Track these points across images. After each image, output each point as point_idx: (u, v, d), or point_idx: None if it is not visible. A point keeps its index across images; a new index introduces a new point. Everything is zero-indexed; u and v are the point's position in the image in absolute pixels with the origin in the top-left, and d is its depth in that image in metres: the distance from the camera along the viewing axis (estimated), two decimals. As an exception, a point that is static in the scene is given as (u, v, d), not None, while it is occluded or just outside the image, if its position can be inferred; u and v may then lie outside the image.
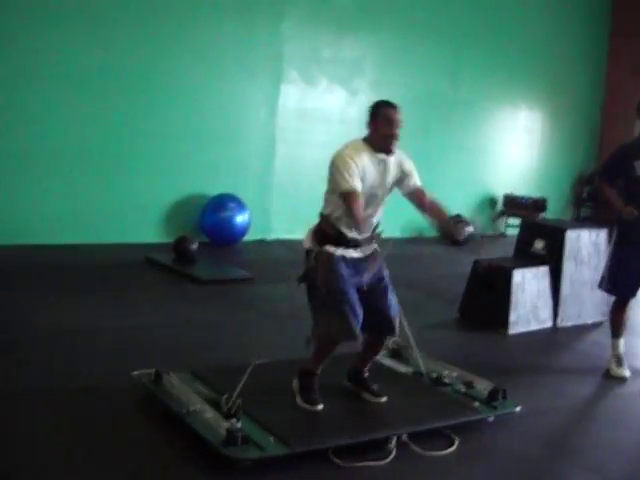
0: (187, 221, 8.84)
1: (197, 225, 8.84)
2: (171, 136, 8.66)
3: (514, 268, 6.21)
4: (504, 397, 4.26)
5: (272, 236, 9.56)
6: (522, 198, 11.38)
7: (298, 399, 4.03)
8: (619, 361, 5.33)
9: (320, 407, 3.96)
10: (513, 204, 11.42)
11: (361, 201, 3.85)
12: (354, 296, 3.93)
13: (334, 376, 4.19)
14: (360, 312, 3.91)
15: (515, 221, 11.54)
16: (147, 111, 8.51)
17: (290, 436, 3.55)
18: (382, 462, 3.58)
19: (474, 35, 10.75)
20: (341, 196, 3.89)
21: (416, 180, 4.21)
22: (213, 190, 8.89)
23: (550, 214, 11.42)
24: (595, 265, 6.63)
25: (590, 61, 12.38)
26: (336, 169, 3.93)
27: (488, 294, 6.31)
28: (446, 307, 6.86)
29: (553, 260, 6.46)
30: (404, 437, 3.77)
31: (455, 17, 10.56)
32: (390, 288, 4.16)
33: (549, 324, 6.40)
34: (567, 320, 6.50)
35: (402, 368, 4.72)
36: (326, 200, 4.07)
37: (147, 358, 4.77)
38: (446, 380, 4.49)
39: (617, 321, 5.37)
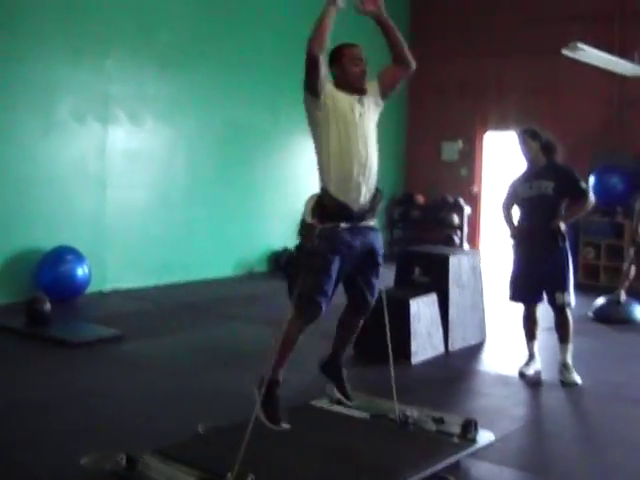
0: (22, 279, 8.05)
1: (33, 282, 8.06)
2: (-3, 187, 7.89)
3: (410, 298, 6.26)
4: (475, 429, 4.25)
5: (108, 286, 8.97)
6: (345, 225, 11.53)
7: (260, 414, 3.81)
8: (528, 360, 5.93)
9: (285, 426, 3.84)
10: (336, 232, 11.53)
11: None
12: (335, 274, 3.87)
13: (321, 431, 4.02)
14: (332, 292, 3.91)
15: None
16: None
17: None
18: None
19: (291, 67, 10.79)
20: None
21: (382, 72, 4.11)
22: (47, 243, 8.18)
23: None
24: (473, 287, 6.87)
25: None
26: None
27: (384, 326, 6.29)
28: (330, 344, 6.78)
29: (437, 287, 6.60)
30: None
31: (273, 51, 10.57)
32: (379, 271, 4.15)
33: (442, 349, 6.51)
34: (456, 344, 6.65)
35: (357, 413, 4.55)
36: (318, 170, 3.94)
37: (75, 442, 4.27)
38: (413, 420, 4.39)
39: (526, 326, 5.95)
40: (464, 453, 4.03)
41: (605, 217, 10.25)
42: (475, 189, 12.37)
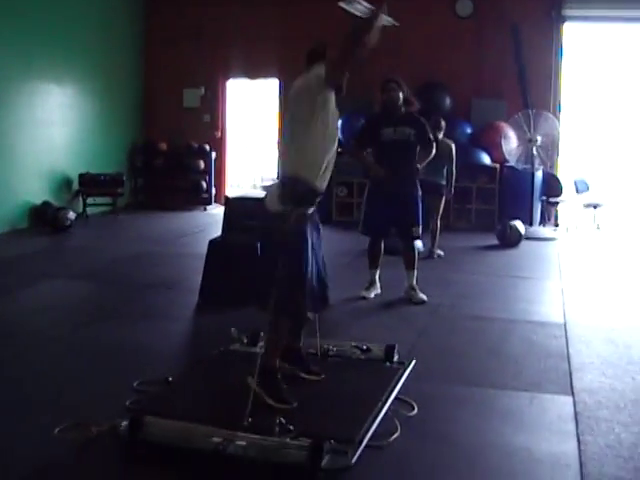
0: None
1: None
2: None
3: (257, 242, 6.52)
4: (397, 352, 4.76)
5: None
6: (100, 175, 11.26)
7: (269, 401, 3.95)
8: (369, 286, 6.63)
9: (295, 404, 3.98)
10: (92, 183, 11.22)
11: None
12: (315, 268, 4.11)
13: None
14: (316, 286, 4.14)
15: (93, 200, 11.40)
16: None
17: (346, 435, 3.57)
18: (396, 435, 3.81)
19: (44, 12, 10.27)
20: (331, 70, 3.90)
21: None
22: None
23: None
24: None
25: (132, 35, 12.60)
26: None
27: (231, 272, 6.52)
28: (170, 293, 6.92)
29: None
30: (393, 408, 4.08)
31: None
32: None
33: (279, 288, 6.89)
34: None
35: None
36: (294, 154, 4.04)
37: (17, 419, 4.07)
38: (342, 351, 4.78)
39: (372, 255, 6.66)
40: (406, 374, 4.52)
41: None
42: (218, 134, 12.65)
